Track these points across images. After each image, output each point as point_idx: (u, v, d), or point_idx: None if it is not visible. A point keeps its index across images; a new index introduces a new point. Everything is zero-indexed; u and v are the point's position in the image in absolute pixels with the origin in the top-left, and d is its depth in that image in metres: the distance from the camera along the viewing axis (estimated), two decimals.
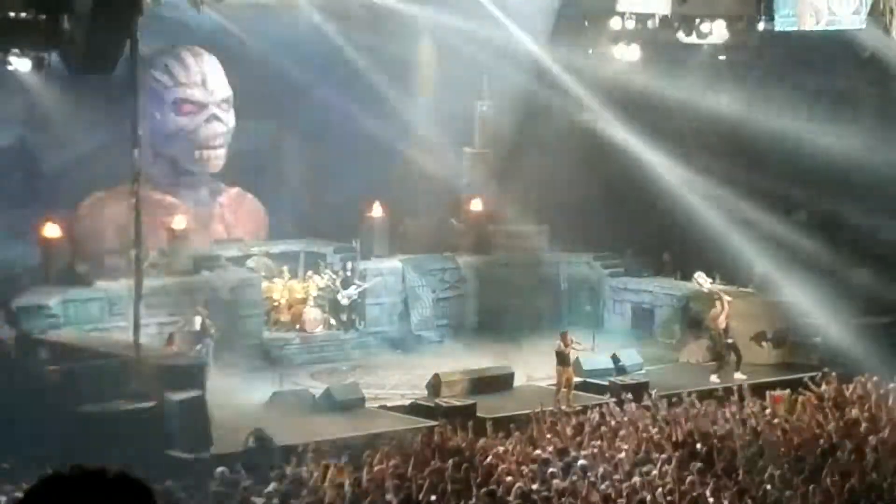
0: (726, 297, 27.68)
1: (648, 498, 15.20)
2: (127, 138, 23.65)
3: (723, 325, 27.62)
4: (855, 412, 21.14)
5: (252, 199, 33.08)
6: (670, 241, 32.06)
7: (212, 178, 32.41)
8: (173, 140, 31.32)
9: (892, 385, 22.66)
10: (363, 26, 30.79)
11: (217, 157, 31.93)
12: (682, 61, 31.27)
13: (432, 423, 22.22)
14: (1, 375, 21.94)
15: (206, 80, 31.47)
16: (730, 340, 27.47)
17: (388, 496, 16.07)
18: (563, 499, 15.48)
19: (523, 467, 17.66)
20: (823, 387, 23.38)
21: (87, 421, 20.36)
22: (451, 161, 33.74)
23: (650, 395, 23.21)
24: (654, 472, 16.83)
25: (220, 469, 17.83)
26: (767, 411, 21.84)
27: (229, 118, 31.78)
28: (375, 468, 17.58)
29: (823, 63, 30.68)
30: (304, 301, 30.55)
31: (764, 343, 28.19)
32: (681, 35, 29.07)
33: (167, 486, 16.02)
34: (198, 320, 26.96)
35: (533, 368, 27.68)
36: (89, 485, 2.56)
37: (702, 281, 28.55)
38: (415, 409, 24.27)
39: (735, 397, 22.69)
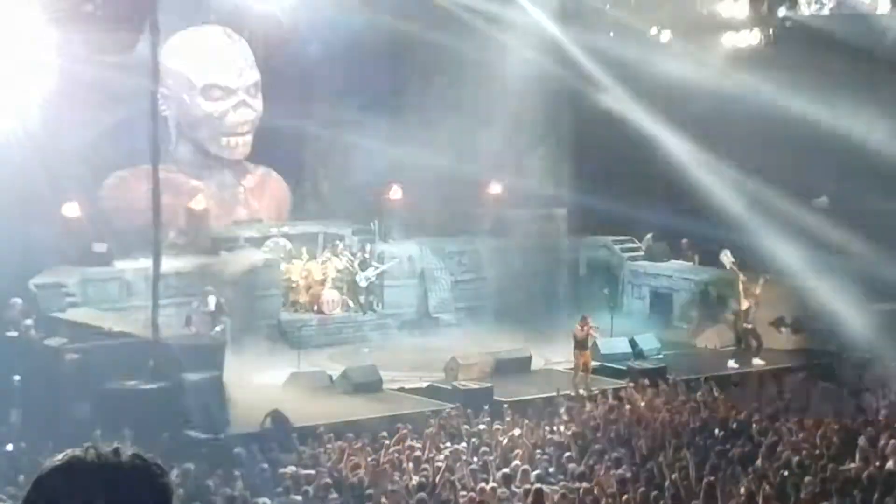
0: (742, 277, 27.58)
1: (665, 483, 15.16)
2: (148, 118, 23.59)
3: (743, 307, 27.55)
4: (872, 398, 21.12)
5: (277, 179, 32.76)
6: (689, 226, 31.94)
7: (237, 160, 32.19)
8: (200, 125, 30.90)
9: None
10: (386, 6, 30.63)
11: (244, 144, 31.47)
12: (705, 45, 31.19)
13: (449, 405, 22.23)
14: (19, 354, 22.00)
15: (236, 64, 31.00)
16: (749, 325, 27.37)
17: (406, 478, 16.07)
18: (580, 483, 15.46)
19: (539, 451, 17.66)
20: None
21: (104, 401, 20.40)
22: (467, 144, 33.66)
23: (668, 380, 23.21)
24: (671, 456, 16.80)
25: (237, 449, 17.87)
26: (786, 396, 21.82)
27: (257, 103, 31.23)
28: (392, 450, 17.60)
29: (845, 49, 30.51)
30: (322, 283, 30.53)
31: (782, 328, 28.08)
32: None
33: (184, 466, 16.04)
34: (212, 300, 26.94)
35: (551, 352, 27.65)
36: (104, 465, 2.54)
37: (725, 259, 28.30)
38: (432, 392, 24.26)
39: (752, 382, 22.66)
